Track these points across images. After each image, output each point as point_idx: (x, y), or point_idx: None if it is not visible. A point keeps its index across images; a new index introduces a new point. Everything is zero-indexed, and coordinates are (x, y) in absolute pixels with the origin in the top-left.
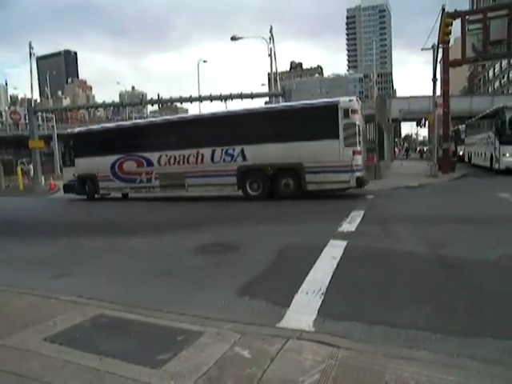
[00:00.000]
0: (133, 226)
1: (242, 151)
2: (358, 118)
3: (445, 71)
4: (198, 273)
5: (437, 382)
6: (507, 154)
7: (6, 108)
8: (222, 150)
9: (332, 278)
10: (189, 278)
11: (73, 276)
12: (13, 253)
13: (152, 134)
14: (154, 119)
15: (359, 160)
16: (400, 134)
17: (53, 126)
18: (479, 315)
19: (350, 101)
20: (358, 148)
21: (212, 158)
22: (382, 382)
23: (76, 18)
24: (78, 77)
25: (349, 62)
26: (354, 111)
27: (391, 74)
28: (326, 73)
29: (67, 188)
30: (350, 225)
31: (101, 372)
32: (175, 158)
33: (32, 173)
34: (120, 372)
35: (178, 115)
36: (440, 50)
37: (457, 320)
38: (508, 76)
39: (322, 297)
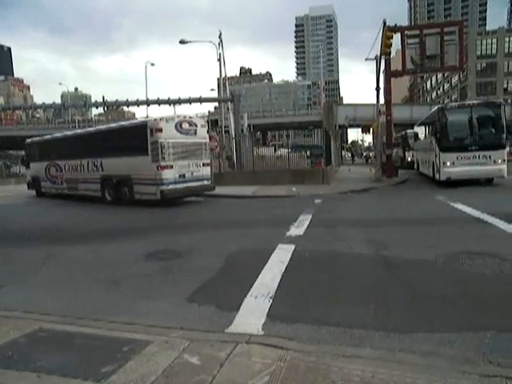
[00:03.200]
0: (73, 234)
1: (101, 163)
2: (162, 136)
3: (387, 81)
4: (145, 281)
5: (380, 377)
6: (448, 163)
7: None
8: (92, 162)
9: (280, 281)
10: (136, 286)
11: (10, 287)
12: None
13: (61, 145)
14: (67, 133)
15: (165, 174)
16: (347, 140)
17: None
18: (417, 312)
19: (154, 120)
20: (162, 163)
21: (88, 168)
22: (328, 381)
23: (10, 9)
24: (13, 75)
25: (297, 69)
26: (158, 130)
27: (338, 81)
28: (276, 79)
29: (29, 185)
30: (297, 229)
31: None
32: (72, 166)
33: None
34: None
35: (74, 131)
36: (383, 61)
37: (397, 317)
38: (443, 88)
39: (271, 300)
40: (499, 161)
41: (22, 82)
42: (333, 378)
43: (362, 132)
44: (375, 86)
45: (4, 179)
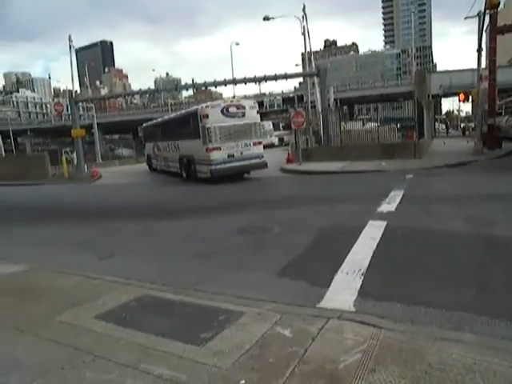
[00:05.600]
0: (169, 210)
1: (177, 145)
2: (209, 122)
3: (491, 40)
4: (238, 254)
5: (483, 365)
6: None
7: (50, 100)
8: (173, 143)
9: (372, 258)
10: (228, 259)
11: (117, 257)
12: (64, 235)
13: (157, 129)
14: (161, 119)
15: (213, 156)
16: (440, 111)
17: (93, 115)
18: None
19: (202, 108)
20: (210, 146)
21: (171, 149)
22: (424, 363)
23: (111, 7)
24: (114, 66)
25: (385, 37)
26: (205, 116)
27: (431, 47)
28: (362, 50)
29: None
30: (389, 205)
31: (148, 349)
32: (164, 146)
33: (75, 161)
34: (166, 349)
35: (164, 117)
36: (487, 17)
37: (501, 302)
38: None
39: (362, 277)
40: None
41: (122, 71)
42: (430, 361)
43: (460, 101)
44: (477, 47)
45: (110, 161)
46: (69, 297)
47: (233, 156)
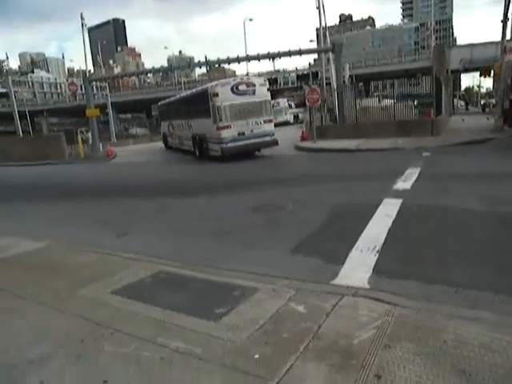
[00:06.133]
0: (184, 188)
1: (190, 123)
2: (219, 100)
3: None
4: (252, 232)
5: (501, 344)
6: None
7: (65, 80)
8: (186, 122)
9: (387, 236)
10: (243, 236)
11: (133, 235)
12: (81, 213)
13: (171, 107)
14: (173, 97)
15: (223, 134)
16: (460, 87)
17: (107, 95)
18: None
19: (211, 86)
20: (220, 124)
21: (185, 127)
22: (440, 340)
23: None
24: (127, 44)
25: (403, 10)
26: (215, 94)
27: (451, 20)
28: (379, 24)
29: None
30: (405, 183)
31: (164, 323)
32: (178, 125)
33: (90, 140)
34: (181, 323)
35: (176, 95)
36: None
37: None
38: None
39: (377, 254)
40: None
41: (134, 50)
42: (445, 338)
43: (481, 76)
44: (502, 17)
45: (124, 140)
46: (87, 272)
47: (243, 134)
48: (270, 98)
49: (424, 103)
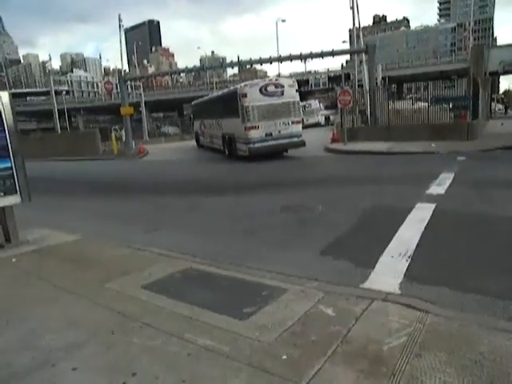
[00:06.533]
0: (214, 186)
1: (220, 123)
2: (247, 101)
3: None
4: (281, 232)
5: None
6: None
7: (101, 79)
8: (216, 121)
9: (419, 241)
10: (271, 236)
11: (163, 231)
12: (114, 208)
13: (203, 107)
14: (205, 97)
15: (251, 134)
16: (498, 90)
17: (140, 94)
18: None
19: (241, 87)
20: (248, 124)
21: (215, 126)
22: (475, 352)
23: None
24: (161, 45)
25: (440, 10)
26: (243, 95)
27: (492, 19)
28: (413, 25)
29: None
30: (439, 187)
31: (192, 319)
32: (209, 124)
33: (124, 138)
34: (209, 321)
35: (209, 95)
36: None
37: None
38: None
39: (409, 260)
40: None
41: (168, 50)
42: (481, 350)
43: None
44: None
45: (156, 138)
46: (118, 266)
47: (271, 135)
48: (298, 99)
49: (460, 106)
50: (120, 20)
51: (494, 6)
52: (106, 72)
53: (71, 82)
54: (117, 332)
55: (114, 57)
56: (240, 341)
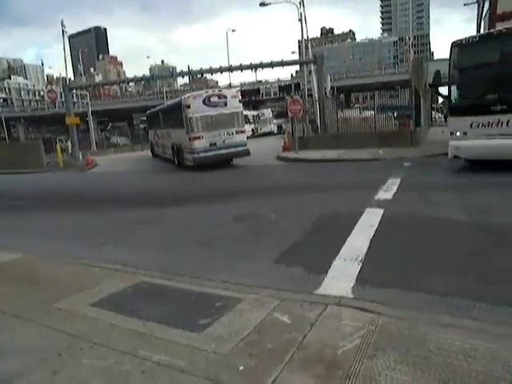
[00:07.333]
0: (163, 198)
1: (169, 133)
2: (191, 111)
3: (490, 27)
4: (235, 242)
5: (482, 350)
6: None
7: (44, 87)
8: (166, 131)
9: (370, 245)
10: (226, 247)
11: (113, 246)
12: (58, 223)
13: (154, 117)
14: (155, 108)
15: (195, 144)
16: (437, 100)
17: (87, 103)
18: None
19: (184, 98)
20: (192, 135)
21: (169, 137)
22: (424, 348)
23: None
24: (108, 53)
25: (382, 24)
26: (187, 106)
27: (428, 35)
28: (359, 37)
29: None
30: (386, 193)
31: (146, 335)
32: (160, 134)
33: (70, 149)
34: (164, 336)
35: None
36: (486, 3)
37: (501, 289)
38: None
39: (360, 264)
40: None
41: (116, 59)
42: (429, 346)
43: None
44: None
45: (105, 149)
46: (66, 284)
47: (215, 144)
48: (242, 110)
49: (403, 115)
50: (63, 25)
51: (429, 24)
52: (49, 80)
53: (9, 89)
54: (65, 355)
55: (58, 64)
56: (196, 354)
